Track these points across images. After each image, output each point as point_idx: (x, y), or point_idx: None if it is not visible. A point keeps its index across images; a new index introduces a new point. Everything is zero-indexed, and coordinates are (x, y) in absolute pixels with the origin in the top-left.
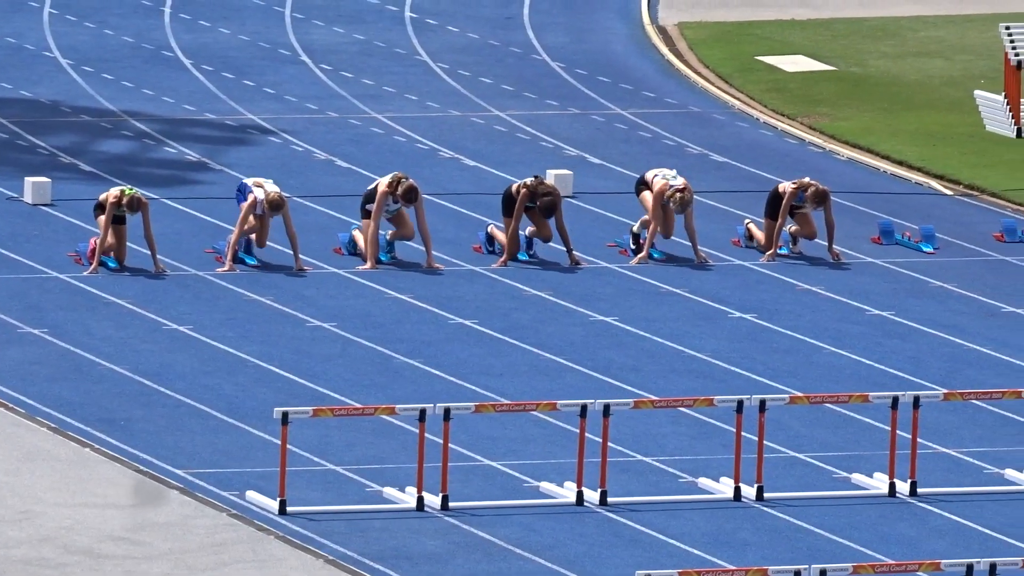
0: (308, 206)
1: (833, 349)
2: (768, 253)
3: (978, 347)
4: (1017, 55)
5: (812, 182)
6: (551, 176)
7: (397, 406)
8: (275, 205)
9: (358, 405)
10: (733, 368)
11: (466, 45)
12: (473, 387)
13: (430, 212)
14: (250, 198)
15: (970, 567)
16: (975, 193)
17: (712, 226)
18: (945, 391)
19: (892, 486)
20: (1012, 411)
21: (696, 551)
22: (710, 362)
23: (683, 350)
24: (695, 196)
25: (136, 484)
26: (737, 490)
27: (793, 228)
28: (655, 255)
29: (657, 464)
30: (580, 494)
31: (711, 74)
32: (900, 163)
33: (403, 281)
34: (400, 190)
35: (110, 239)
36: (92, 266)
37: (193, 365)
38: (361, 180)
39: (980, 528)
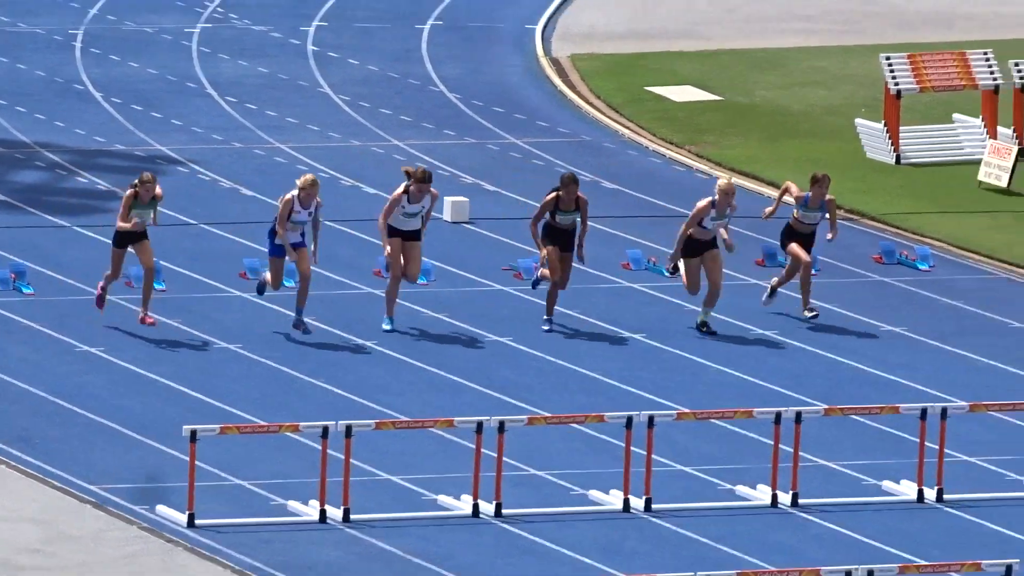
0: (214, 232)
1: (719, 367)
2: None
3: (857, 364)
4: (896, 85)
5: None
6: (448, 203)
7: (301, 424)
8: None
9: (263, 423)
10: (623, 386)
11: (366, 77)
12: (374, 405)
13: (332, 237)
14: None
15: (848, 573)
16: (855, 217)
17: (603, 249)
18: (826, 407)
19: (775, 497)
20: (889, 425)
21: (587, 559)
22: (601, 380)
23: (576, 368)
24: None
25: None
26: (626, 502)
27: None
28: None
29: (550, 477)
30: (476, 506)
31: (602, 104)
32: (779, 186)
33: (308, 303)
34: (416, 179)
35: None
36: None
37: (105, 385)
38: (265, 207)
39: (858, 536)
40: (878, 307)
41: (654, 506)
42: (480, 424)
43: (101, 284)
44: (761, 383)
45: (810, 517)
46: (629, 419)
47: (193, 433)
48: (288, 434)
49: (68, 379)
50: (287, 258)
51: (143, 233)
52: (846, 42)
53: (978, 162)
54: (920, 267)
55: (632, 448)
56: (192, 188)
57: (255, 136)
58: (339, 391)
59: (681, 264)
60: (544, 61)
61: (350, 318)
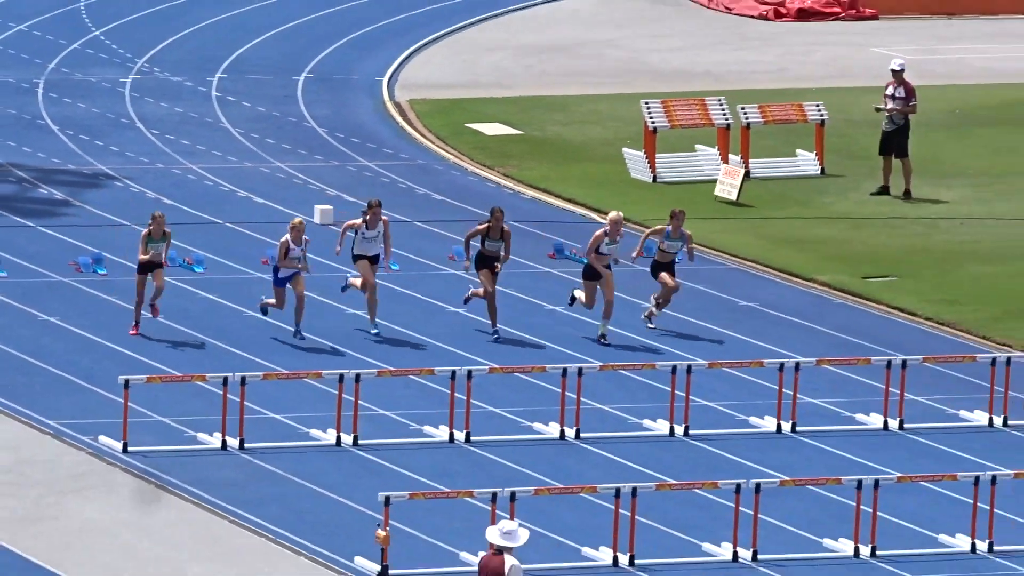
0: (139, 231)
1: (521, 334)
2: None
3: (626, 331)
4: (653, 123)
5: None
6: (317, 211)
7: (207, 375)
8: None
9: (179, 374)
10: (449, 347)
11: (256, 116)
12: (263, 361)
13: (232, 239)
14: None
15: (617, 490)
16: (623, 222)
17: (432, 245)
18: (600, 363)
19: (563, 432)
20: (650, 378)
21: (421, 478)
22: (434, 343)
23: (413, 335)
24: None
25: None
26: (451, 435)
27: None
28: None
29: (394, 416)
30: (339, 438)
31: (432, 136)
32: (569, 200)
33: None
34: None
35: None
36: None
37: (61, 346)
38: (181, 214)
39: (631, 464)
40: (639, 287)
41: (472, 438)
42: (341, 376)
43: (134, 313)
44: (560, 349)
45: (591, 448)
46: (453, 372)
47: (126, 382)
48: (198, 383)
49: (32, 341)
50: (288, 286)
51: (159, 263)
52: (616, 91)
53: (714, 181)
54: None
55: (456, 394)
56: (125, 198)
57: (173, 159)
58: (237, 351)
59: (578, 292)
60: (389, 104)
61: (245, 296)
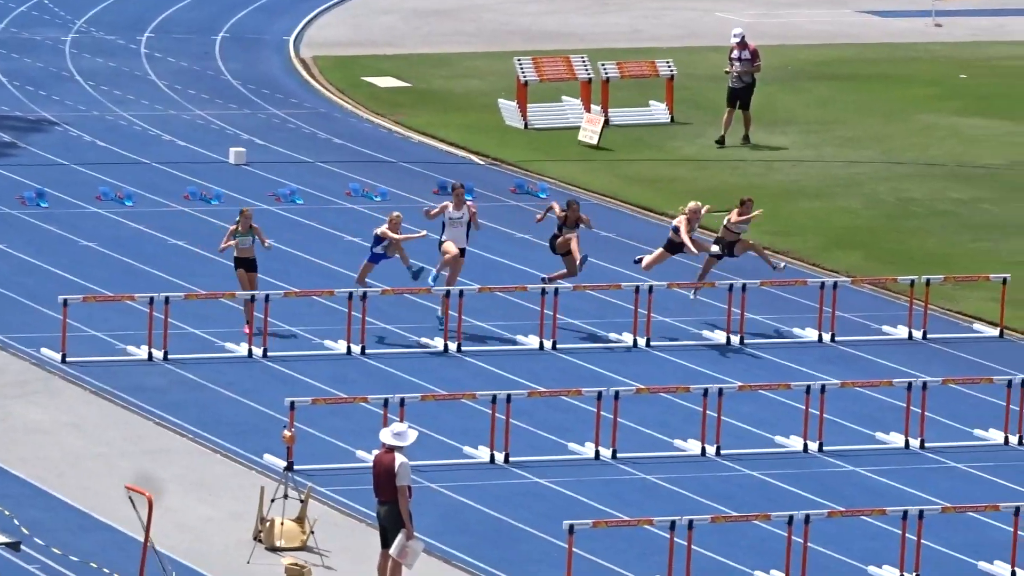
0: (77, 170)
1: (413, 261)
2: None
3: (501, 258)
4: (525, 77)
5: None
6: (232, 153)
7: (136, 295)
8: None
9: (111, 294)
10: (345, 271)
11: (179, 70)
12: (182, 282)
13: (157, 176)
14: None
15: (494, 396)
16: (498, 163)
17: (332, 182)
18: (479, 286)
19: (446, 346)
20: (523, 299)
21: (324, 386)
22: (334, 268)
23: (316, 260)
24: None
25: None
26: (349, 348)
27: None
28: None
29: (299, 331)
30: (250, 351)
31: (333, 88)
32: (451, 144)
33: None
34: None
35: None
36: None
37: (7, 268)
38: (113, 155)
39: (506, 374)
40: (513, 220)
41: (367, 351)
42: (252, 296)
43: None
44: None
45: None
46: (351, 294)
47: (65, 301)
48: (128, 302)
49: None
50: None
51: (253, 262)
52: (492, 50)
53: (578, 128)
54: (540, 196)
55: (353, 314)
56: (66, 140)
57: (107, 107)
58: (162, 274)
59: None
60: (295, 60)
61: (169, 226)
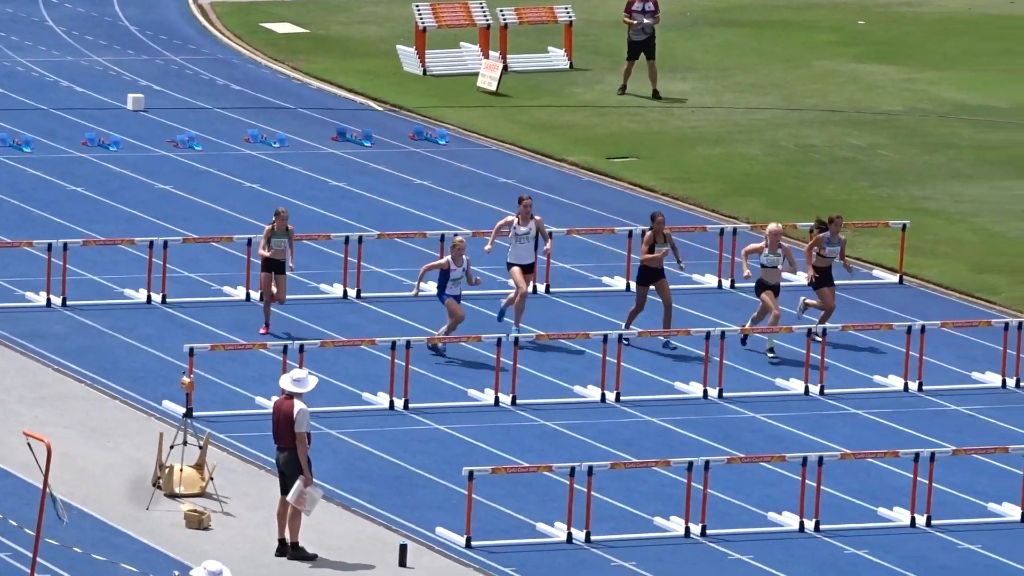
0: None
1: (309, 207)
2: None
3: (399, 204)
4: (423, 23)
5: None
6: (130, 99)
7: (34, 241)
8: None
9: (8, 240)
10: (243, 217)
11: (77, 15)
12: (76, 227)
13: (56, 122)
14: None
15: (393, 343)
16: (397, 109)
17: (230, 128)
18: (378, 232)
19: (345, 292)
20: (423, 245)
21: (223, 332)
22: (231, 214)
23: (213, 206)
24: None
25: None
26: (247, 294)
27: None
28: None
29: (197, 278)
30: (149, 296)
31: (231, 34)
32: (351, 90)
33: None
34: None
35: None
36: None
37: None
38: (12, 101)
39: (406, 320)
40: (412, 166)
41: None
42: (151, 242)
43: (264, 313)
44: (339, 218)
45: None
46: (249, 240)
47: None
48: (26, 248)
49: None
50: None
51: (281, 264)
52: None
53: (476, 74)
54: (439, 142)
55: (252, 260)
56: None
57: (4, 54)
58: (60, 220)
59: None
60: (193, 6)
61: (67, 173)
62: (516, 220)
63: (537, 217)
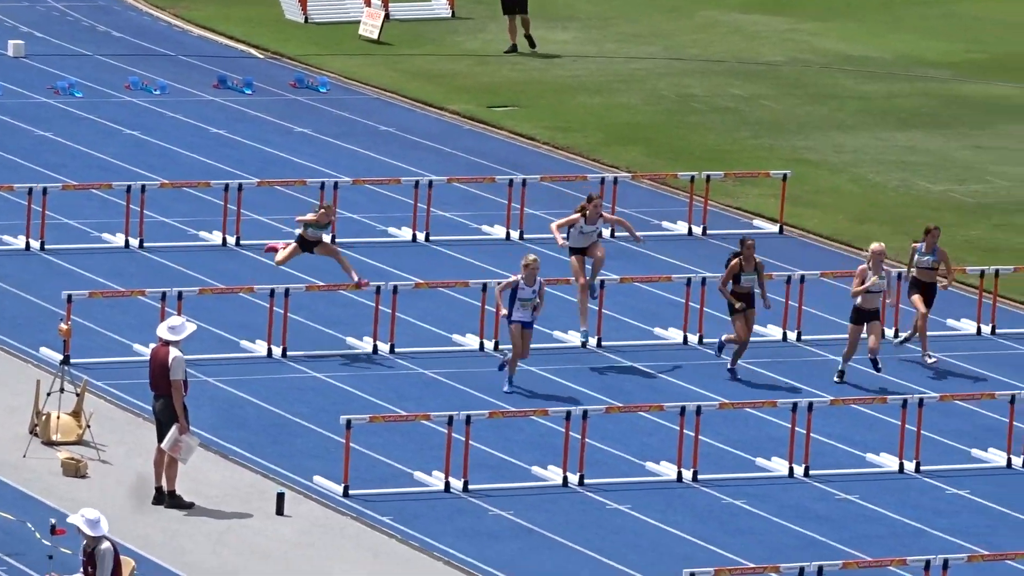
0: None
1: (188, 153)
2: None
3: (280, 152)
4: None
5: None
6: (11, 46)
7: None
8: None
9: None
10: (126, 165)
11: None
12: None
13: None
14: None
15: (272, 291)
16: (278, 57)
17: (112, 76)
18: (258, 180)
19: (224, 240)
20: (303, 192)
21: (101, 279)
22: (113, 162)
23: (93, 153)
24: None
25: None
26: (127, 241)
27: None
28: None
29: (77, 225)
30: (28, 243)
31: None
32: (232, 38)
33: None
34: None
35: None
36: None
37: None
38: None
39: (284, 268)
40: (293, 114)
41: (145, 244)
42: (30, 189)
43: (272, 244)
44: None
45: None
46: (129, 186)
47: None
48: None
49: None
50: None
51: (319, 241)
52: None
53: (358, 22)
54: (320, 90)
55: (131, 207)
56: None
57: None
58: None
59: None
60: None
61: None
62: (582, 220)
63: (610, 215)
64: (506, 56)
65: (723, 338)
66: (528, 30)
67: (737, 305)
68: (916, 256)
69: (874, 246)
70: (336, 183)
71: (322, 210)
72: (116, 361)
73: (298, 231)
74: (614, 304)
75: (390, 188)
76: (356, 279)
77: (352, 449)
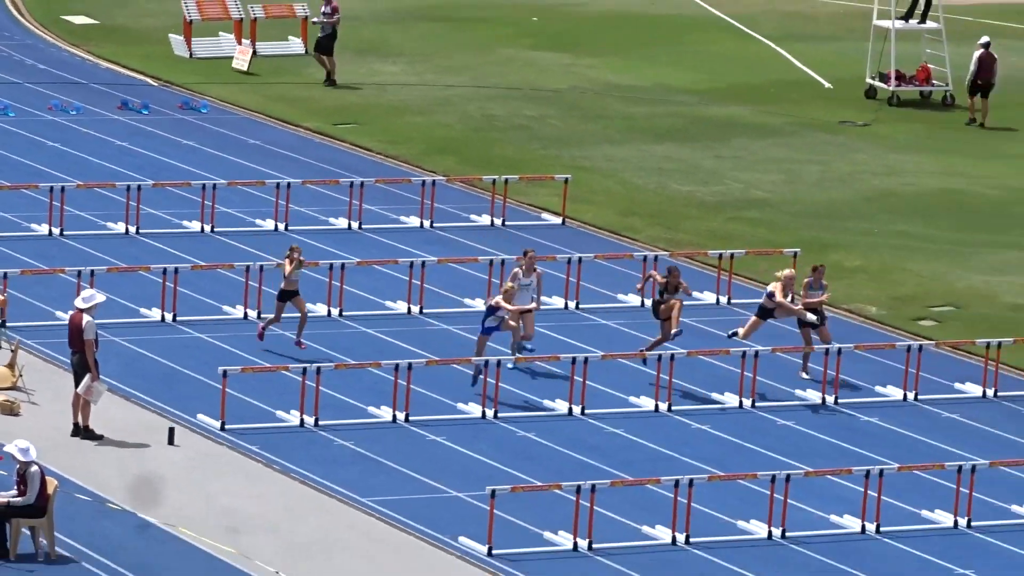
0: None
1: (99, 161)
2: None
3: (171, 160)
4: (190, 16)
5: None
6: None
7: None
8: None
9: None
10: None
11: None
12: None
13: None
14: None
15: (164, 269)
16: (169, 84)
17: (36, 99)
18: (153, 182)
19: (127, 230)
20: (191, 194)
21: (28, 260)
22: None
23: (12, 156)
24: None
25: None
26: (50, 232)
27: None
28: None
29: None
30: (58, 229)
31: (37, 23)
32: (132, 69)
33: None
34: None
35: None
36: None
37: None
38: None
39: (177, 253)
40: (180, 130)
41: (66, 232)
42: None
43: (262, 326)
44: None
45: None
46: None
47: None
48: None
49: None
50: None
51: (296, 292)
52: None
53: (231, 57)
54: (202, 111)
55: (55, 204)
56: None
57: None
58: None
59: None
60: (8, 1)
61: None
62: (520, 272)
63: (540, 270)
64: (348, 86)
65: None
66: (333, 73)
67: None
68: (808, 291)
69: (786, 272)
70: (215, 184)
71: (291, 255)
72: (42, 325)
73: (280, 288)
74: (435, 280)
75: (257, 189)
76: (299, 342)
77: (228, 394)
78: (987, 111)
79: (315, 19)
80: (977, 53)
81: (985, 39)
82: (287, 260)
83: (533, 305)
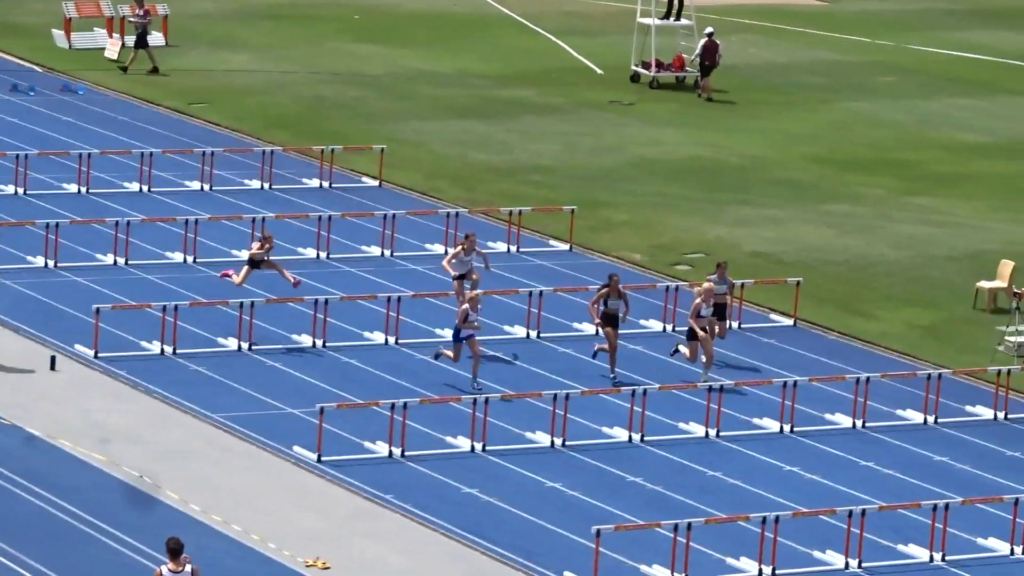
0: None
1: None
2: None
3: (53, 133)
4: (69, 14)
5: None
6: None
7: None
8: None
9: None
10: None
11: None
12: None
13: None
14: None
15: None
16: (52, 70)
17: None
18: (38, 151)
19: (79, 189)
20: (69, 161)
21: None
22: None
23: None
24: None
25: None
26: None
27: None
28: None
29: None
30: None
31: None
32: (21, 58)
33: None
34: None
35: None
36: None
37: None
38: None
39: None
40: (62, 108)
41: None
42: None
43: (227, 272)
44: None
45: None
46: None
47: None
48: None
49: None
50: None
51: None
52: None
53: (103, 48)
54: (79, 92)
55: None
56: None
57: None
58: None
59: (683, 348)
60: None
61: None
62: (462, 252)
63: (482, 251)
64: (200, 69)
65: (596, 347)
66: (154, 63)
67: (596, 322)
68: (712, 285)
69: (705, 285)
70: (90, 154)
71: (263, 241)
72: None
73: (247, 254)
74: (275, 233)
75: (125, 158)
76: (292, 281)
77: (100, 328)
78: (710, 88)
79: (131, 18)
80: (702, 41)
81: (709, 29)
82: (259, 243)
83: (476, 325)
